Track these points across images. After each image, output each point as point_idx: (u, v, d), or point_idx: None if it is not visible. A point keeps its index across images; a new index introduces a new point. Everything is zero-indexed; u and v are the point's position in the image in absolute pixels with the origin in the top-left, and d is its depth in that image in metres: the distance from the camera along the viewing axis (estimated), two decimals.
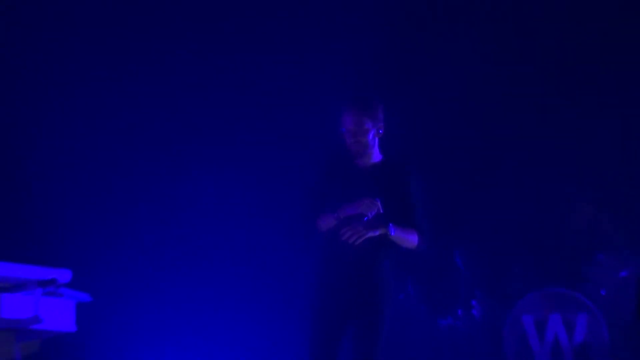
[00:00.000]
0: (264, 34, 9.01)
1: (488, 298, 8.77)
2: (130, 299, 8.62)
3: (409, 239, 5.75)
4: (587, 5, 9.04)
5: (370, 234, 5.65)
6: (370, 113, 5.75)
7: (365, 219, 5.63)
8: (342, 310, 5.75)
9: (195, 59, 8.97)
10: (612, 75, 9.01)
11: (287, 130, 8.81)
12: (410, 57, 9.12)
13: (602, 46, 9.06)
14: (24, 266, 5.40)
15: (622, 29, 8.99)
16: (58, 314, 5.58)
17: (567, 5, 9.12)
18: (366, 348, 5.67)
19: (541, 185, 9.10)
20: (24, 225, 8.44)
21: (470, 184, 9.19)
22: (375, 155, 5.88)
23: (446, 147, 9.15)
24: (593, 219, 8.86)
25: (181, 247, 8.95)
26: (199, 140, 9.00)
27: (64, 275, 5.51)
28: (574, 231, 8.89)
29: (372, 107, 5.77)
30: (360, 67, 8.69)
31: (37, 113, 8.67)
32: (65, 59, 8.77)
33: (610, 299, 8.46)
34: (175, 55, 8.96)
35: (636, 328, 8.09)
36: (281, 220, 7.00)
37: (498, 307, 8.66)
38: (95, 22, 8.83)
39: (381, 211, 5.62)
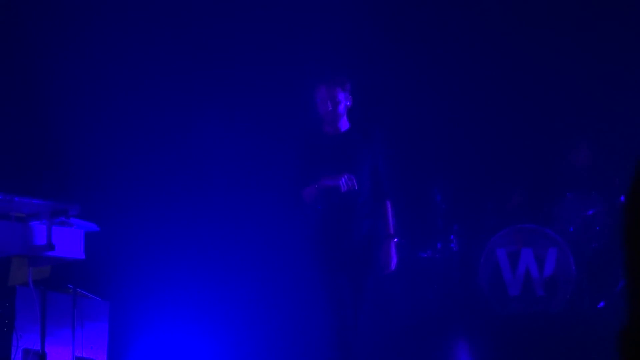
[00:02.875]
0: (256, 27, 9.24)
1: (465, 232, 9.05)
2: (135, 229, 8.76)
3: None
4: None
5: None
6: (341, 87, 6.55)
7: (343, 190, 6.35)
8: (342, 268, 6.54)
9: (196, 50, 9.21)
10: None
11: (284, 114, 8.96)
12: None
13: None
14: (38, 198, 5.70)
15: None
16: (68, 243, 5.82)
17: None
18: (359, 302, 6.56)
19: (516, 128, 9.32)
20: (39, 162, 8.64)
21: (449, 127, 9.42)
22: (344, 124, 6.66)
23: (429, 96, 9.39)
24: (564, 160, 9.14)
25: (187, 180, 9.11)
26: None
27: (74, 207, 5.77)
28: (546, 172, 9.16)
29: (343, 82, 6.57)
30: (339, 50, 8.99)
31: (59, 60, 8.79)
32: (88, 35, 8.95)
33: (577, 235, 8.81)
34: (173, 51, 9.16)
35: (604, 258, 8.58)
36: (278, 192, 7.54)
37: (474, 241, 8.95)
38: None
39: (355, 188, 6.38)
